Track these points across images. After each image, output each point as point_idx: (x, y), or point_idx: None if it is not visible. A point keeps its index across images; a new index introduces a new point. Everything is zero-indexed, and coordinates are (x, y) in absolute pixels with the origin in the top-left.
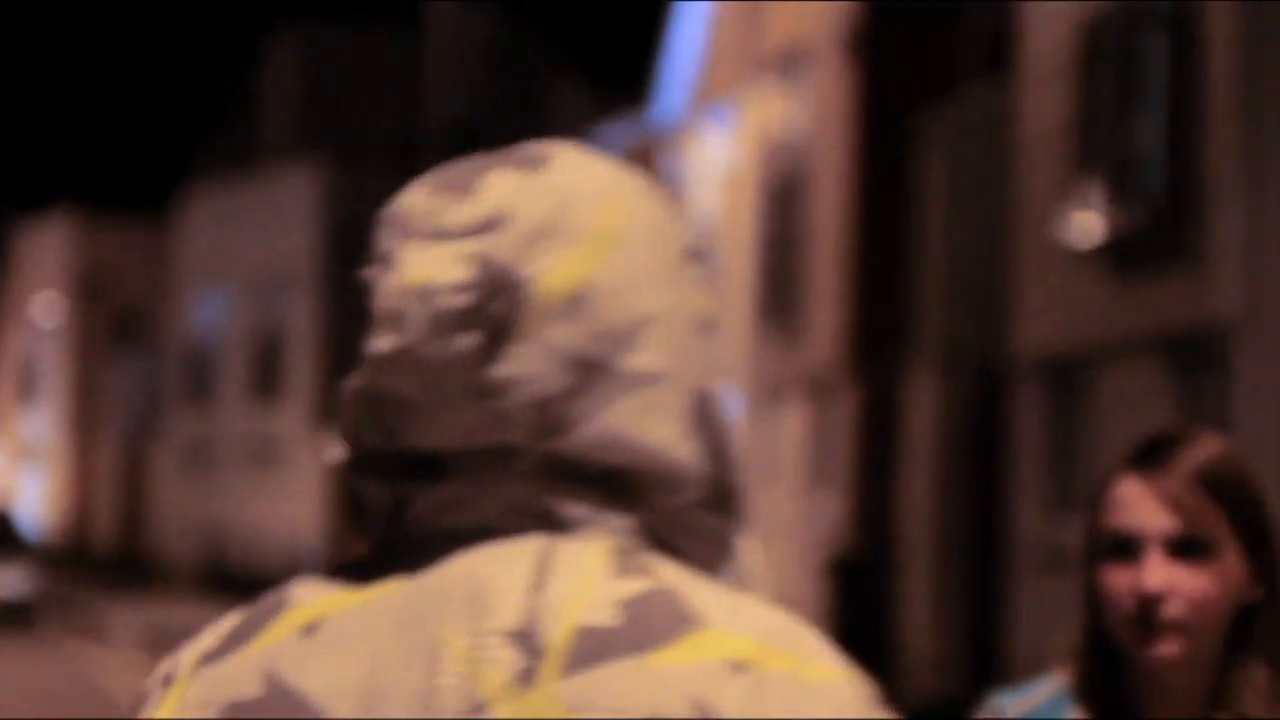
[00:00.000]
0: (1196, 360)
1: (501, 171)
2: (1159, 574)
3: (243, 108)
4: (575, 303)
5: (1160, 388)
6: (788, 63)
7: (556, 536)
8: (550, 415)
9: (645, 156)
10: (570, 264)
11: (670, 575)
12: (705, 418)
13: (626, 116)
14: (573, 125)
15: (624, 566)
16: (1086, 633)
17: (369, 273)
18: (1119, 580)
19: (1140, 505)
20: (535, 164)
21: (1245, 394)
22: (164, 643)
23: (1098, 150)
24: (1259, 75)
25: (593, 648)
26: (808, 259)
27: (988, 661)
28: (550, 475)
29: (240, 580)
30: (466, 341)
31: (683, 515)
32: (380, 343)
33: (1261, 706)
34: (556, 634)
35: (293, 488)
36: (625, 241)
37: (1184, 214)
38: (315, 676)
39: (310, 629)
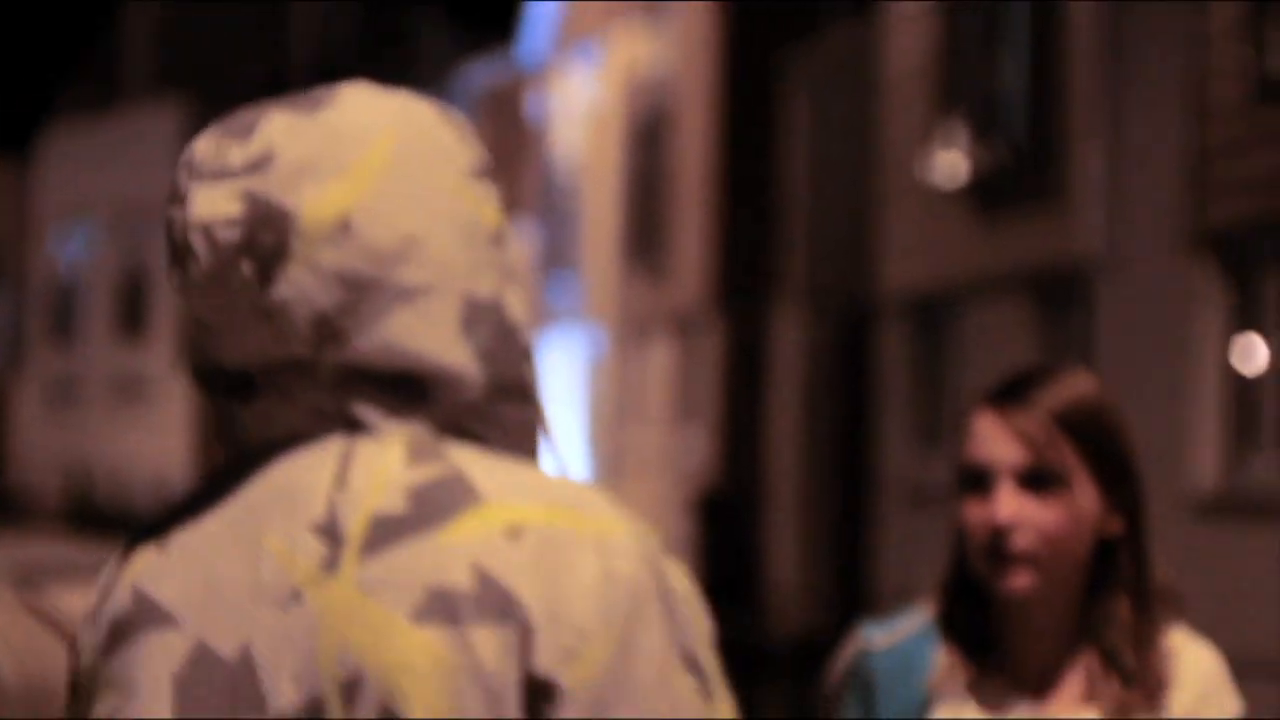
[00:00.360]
0: (1060, 298)
1: (279, 114)
2: (1008, 506)
3: (103, 45)
4: (341, 229)
5: (1025, 325)
6: (653, 2)
7: (357, 437)
8: (329, 329)
9: (511, 95)
10: (333, 195)
11: (462, 459)
12: (479, 322)
13: (492, 55)
14: (437, 64)
15: (417, 456)
16: (949, 566)
17: (167, 211)
18: (974, 513)
19: (993, 439)
20: (313, 104)
21: (1107, 331)
22: (31, 579)
23: (961, 90)
24: (1121, 15)
25: (384, 533)
26: (673, 198)
27: (855, 595)
28: (343, 383)
29: (107, 516)
30: (244, 268)
31: (480, 409)
32: (175, 274)
33: (1124, 640)
34: (354, 524)
35: (159, 424)
36: (393, 170)
37: (1047, 154)
38: (167, 587)
39: (163, 547)
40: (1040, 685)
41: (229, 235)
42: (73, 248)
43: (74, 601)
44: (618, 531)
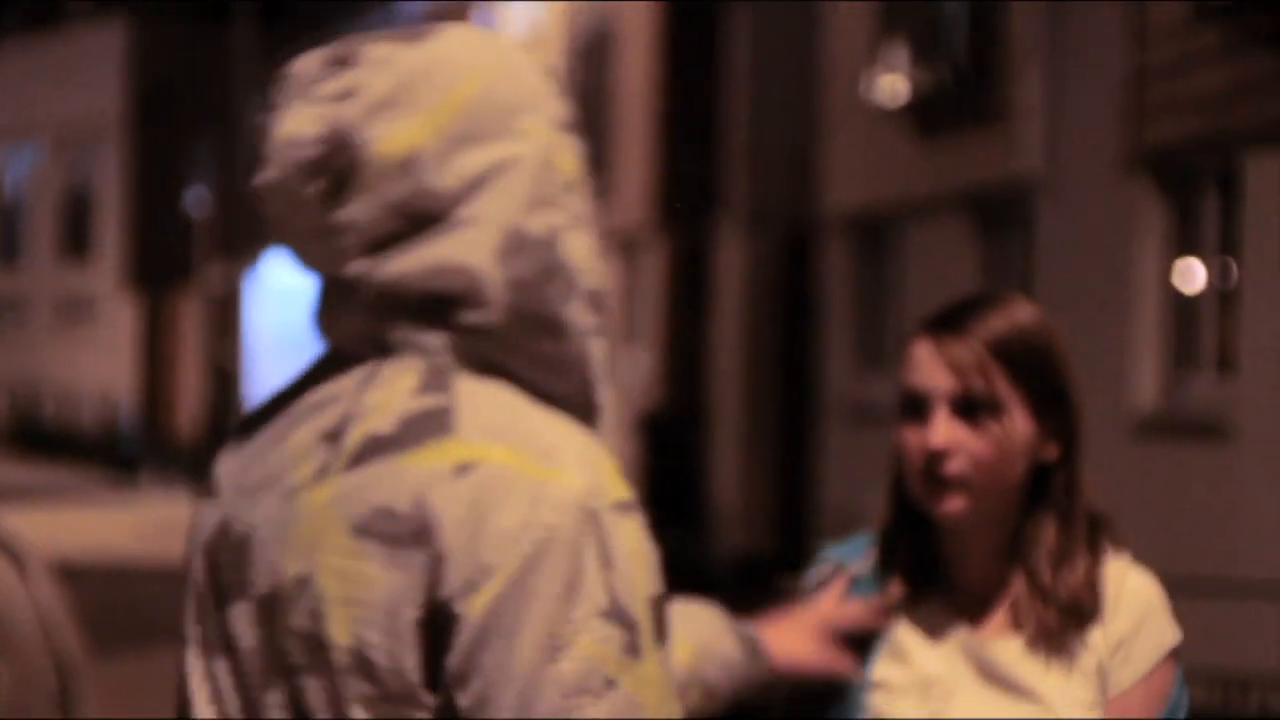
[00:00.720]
0: (1001, 218)
1: (379, 46)
2: (942, 431)
3: None
4: (408, 165)
5: (966, 244)
6: None
7: (384, 359)
8: (379, 254)
9: (456, 15)
10: (407, 132)
11: (466, 392)
12: (519, 254)
13: None
14: None
15: (426, 386)
16: (888, 490)
17: (260, 119)
18: (910, 438)
19: (928, 367)
20: (413, 39)
21: (1047, 250)
22: None
23: (902, 11)
24: None
25: (368, 450)
26: (616, 117)
27: (797, 514)
28: (380, 306)
29: (54, 437)
30: (314, 187)
31: (505, 339)
32: (257, 178)
33: (1046, 562)
34: (351, 440)
35: (105, 344)
36: (472, 113)
37: (987, 74)
38: (223, 468)
39: (241, 432)
40: (976, 609)
41: (305, 154)
42: (16, 169)
43: (20, 522)
44: (563, 483)
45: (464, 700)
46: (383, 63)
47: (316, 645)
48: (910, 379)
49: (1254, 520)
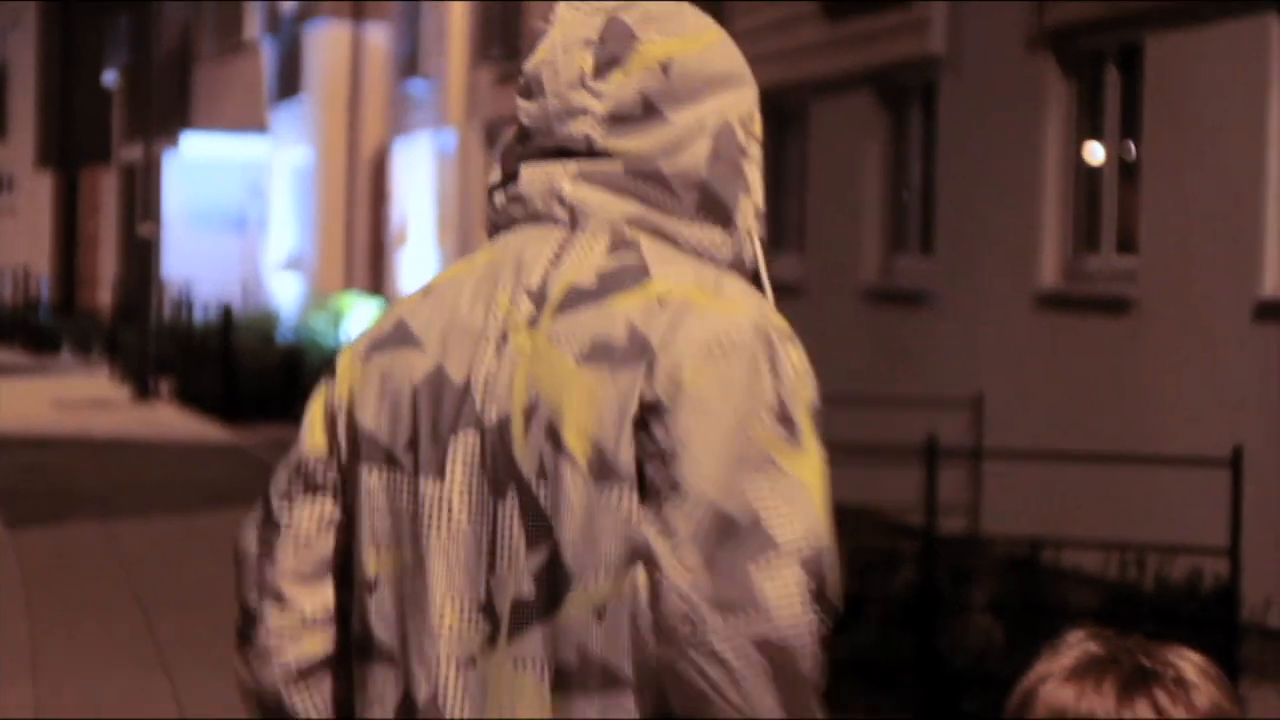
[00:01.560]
0: (906, 96)
1: None
2: None
3: None
4: (662, 68)
5: (871, 123)
6: None
7: (579, 229)
8: (611, 133)
9: None
10: (666, 44)
11: (650, 253)
12: (719, 161)
13: None
14: None
15: (616, 249)
16: None
17: (541, 26)
18: None
19: None
20: None
21: (951, 129)
22: None
23: None
24: None
25: (574, 300)
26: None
27: None
28: (584, 176)
29: None
30: (587, 57)
31: (693, 222)
32: (533, 55)
33: None
34: (556, 292)
35: (22, 222)
36: (708, 56)
37: None
38: (419, 317)
39: (429, 290)
40: None
41: (588, 33)
42: None
43: None
44: (742, 312)
45: (670, 476)
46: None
47: (555, 454)
48: None
49: (1154, 393)
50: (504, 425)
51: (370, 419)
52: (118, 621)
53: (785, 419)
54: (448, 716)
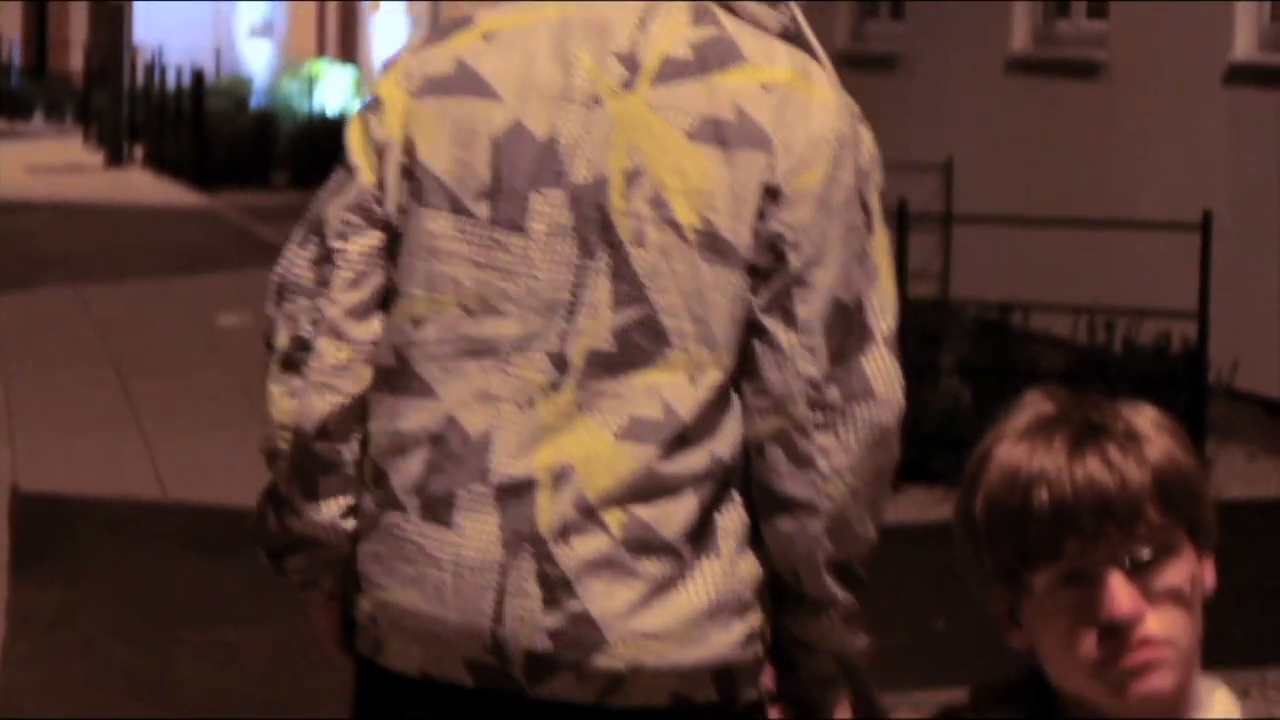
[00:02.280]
0: None
1: None
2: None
3: None
4: None
5: None
6: None
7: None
8: None
9: None
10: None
11: (731, 26)
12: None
13: None
14: None
15: (699, 19)
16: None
17: None
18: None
19: None
20: None
21: None
22: None
23: None
24: None
25: (671, 71)
26: None
27: None
28: None
29: None
30: None
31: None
32: None
33: None
34: (650, 58)
35: None
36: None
37: None
38: (488, 65)
39: (489, 35)
40: None
41: None
42: None
43: None
44: (834, 99)
45: (797, 260)
46: None
47: (661, 223)
48: None
49: (1124, 157)
50: (598, 187)
51: (442, 164)
52: (92, 384)
53: (864, 204)
54: (494, 450)
